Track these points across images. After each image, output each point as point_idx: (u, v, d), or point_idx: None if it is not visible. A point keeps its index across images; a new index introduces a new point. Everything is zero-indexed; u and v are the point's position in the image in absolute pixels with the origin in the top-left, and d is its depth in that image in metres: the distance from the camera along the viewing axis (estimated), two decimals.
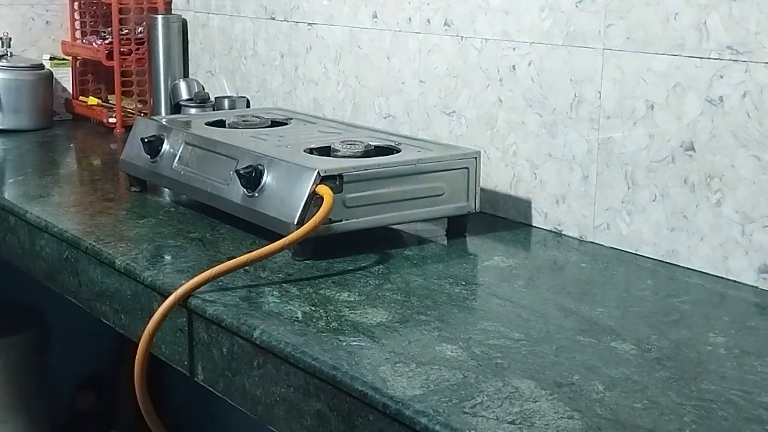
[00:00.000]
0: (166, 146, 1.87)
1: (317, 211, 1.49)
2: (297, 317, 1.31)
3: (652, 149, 1.58)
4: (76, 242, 1.67)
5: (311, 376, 1.18)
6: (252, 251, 1.45)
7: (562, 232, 1.75)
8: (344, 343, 1.22)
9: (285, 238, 1.46)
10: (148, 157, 1.89)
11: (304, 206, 1.52)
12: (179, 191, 1.88)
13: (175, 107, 2.59)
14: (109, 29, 2.75)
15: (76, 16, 2.87)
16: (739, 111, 1.45)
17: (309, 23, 2.30)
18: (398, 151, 1.71)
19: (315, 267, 1.51)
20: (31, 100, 2.64)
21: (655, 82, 1.56)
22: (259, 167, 1.61)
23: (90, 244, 1.63)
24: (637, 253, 1.62)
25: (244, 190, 1.62)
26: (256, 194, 1.61)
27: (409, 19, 2.00)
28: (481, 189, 1.71)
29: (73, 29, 2.87)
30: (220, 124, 1.97)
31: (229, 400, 1.34)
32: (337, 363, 1.16)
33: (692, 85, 1.51)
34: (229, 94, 2.56)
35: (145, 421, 1.48)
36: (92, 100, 2.80)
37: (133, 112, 2.72)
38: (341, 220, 1.55)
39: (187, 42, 2.75)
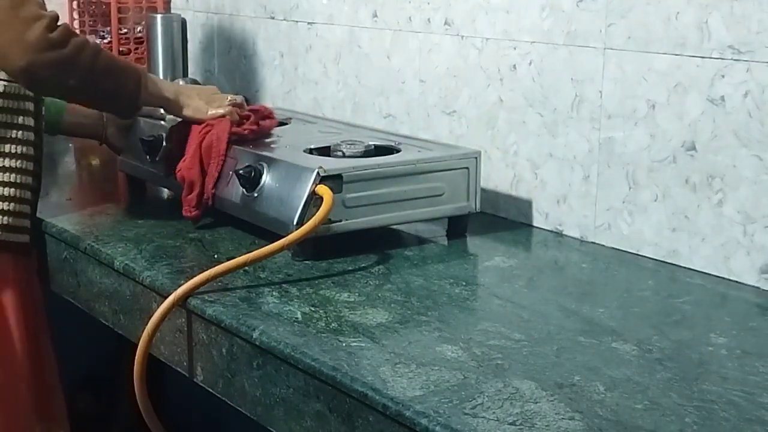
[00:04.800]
0: (165, 146, 1.86)
1: (317, 211, 1.48)
2: (297, 318, 1.31)
3: (653, 149, 1.57)
4: (75, 242, 1.66)
5: (311, 377, 1.17)
6: (251, 251, 1.44)
7: (563, 233, 1.74)
8: (344, 344, 1.22)
9: (285, 238, 1.45)
10: (148, 157, 1.88)
11: (303, 206, 1.51)
12: (179, 191, 1.87)
13: None
14: (108, 28, 2.75)
15: (75, 15, 2.87)
16: (740, 111, 1.45)
17: (309, 22, 2.29)
18: (398, 151, 1.71)
19: (315, 267, 1.51)
20: None
21: (657, 82, 1.56)
22: (259, 167, 1.61)
23: (89, 244, 1.63)
24: (639, 253, 1.62)
25: (244, 190, 1.62)
26: (256, 194, 1.60)
27: (410, 18, 2.00)
28: (482, 189, 1.71)
29: (72, 28, 2.86)
30: None
31: (228, 401, 1.34)
32: (337, 364, 1.16)
33: (693, 84, 1.50)
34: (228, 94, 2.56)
35: (145, 421, 1.48)
36: None
37: None
38: (341, 220, 1.55)
39: (187, 41, 2.74)
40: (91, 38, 2.81)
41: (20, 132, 1.71)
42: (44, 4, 1.62)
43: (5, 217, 1.68)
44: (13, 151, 1.70)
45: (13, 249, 1.71)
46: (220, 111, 1.74)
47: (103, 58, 1.64)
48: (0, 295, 1.71)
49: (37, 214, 1.77)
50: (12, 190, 1.69)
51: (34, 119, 1.73)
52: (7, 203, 1.68)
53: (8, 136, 1.70)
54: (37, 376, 1.76)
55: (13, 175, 1.69)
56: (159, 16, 2.68)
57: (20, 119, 1.71)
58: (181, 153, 1.73)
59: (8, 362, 1.72)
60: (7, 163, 1.69)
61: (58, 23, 1.58)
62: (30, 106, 1.72)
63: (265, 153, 1.65)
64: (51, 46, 1.55)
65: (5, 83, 1.69)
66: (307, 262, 1.53)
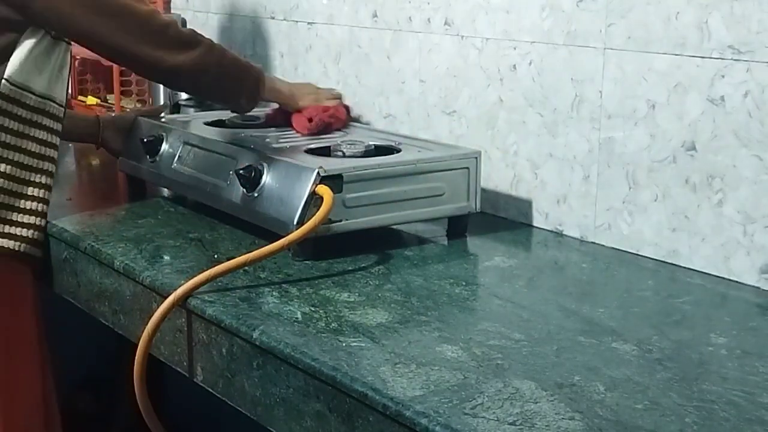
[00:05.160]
0: (165, 146, 1.86)
1: (317, 211, 1.48)
2: (297, 318, 1.31)
3: (653, 149, 1.57)
4: (75, 242, 1.66)
5: (311, 377, 1.17)
6: (251, 251, 1.44)
7: (563, 233, 1.74)
8: (344, 344, 1.22)
9: (285, 238, 1.45)
10: (148, 157, 1.88)
11: (303, 206, 1.51)
12: (179, 191, 1.87)
13: (175, 107, 2.58)
14: None
15: None
16: (740, 111, 1.45)
17: (309, 22, 2.29)
18: (398, 151, 1.71)
19: (315, 267, 1.51)
20: None
21: (657, 82, 1.55)
22: (259, 167, 1.61)
23: (89, 244, 1.63)
24: (639, 253, 1.61)
25: (244, 190, 1.62)
26: (256, 194, 1.60)
27: (410, 18, 2.00)
28: (482, 189, 1.71)
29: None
30: (219, 123, 1.97)
31: (228, 401, 1.34)
32: (337, 364, 1.15)
33: (693, 84, 1.50)
34: None
35: (145, 421, 1.48)
36: (91, 100, 2.79)
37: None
38: (341, 220, 1.55)
39: None
40: None
41: (52, 151, 1.73)
42: None
43: (35, 232, 1.69)
44: (49, 168, 1.72)
45: (33, 263, 1.72)
46: (332, 102, 1.94)
47: (229, 57, 1.79)
48: (19, 308, 1.73)
49: None
50: (43, 206, 1.71)
51: (59, 138, 1.75)
52: (39, 218, 1.70)
53: (46, 155, 1.72)
54: (43, 383, 1.78)
55: (44, 192, 1.71)
56: None
57: (53, 138, 1.73)
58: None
59: (24, 372, 1.73)
60: (43, 179, 1.71)
61: (186, 26, 1.73)
62: (59, 127, 1.74)
63: (265, 153, 1.66)
64: (187, 46, 1.70)
65: (54, 105, 1.71)
66: (307, 262, 1.53)
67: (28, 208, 1.69)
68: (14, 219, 1.67)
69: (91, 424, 2.90)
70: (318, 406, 1.17)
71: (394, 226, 1.69)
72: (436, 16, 1.94)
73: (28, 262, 1.71)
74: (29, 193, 1.69)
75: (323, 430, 1.17)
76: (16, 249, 1.67)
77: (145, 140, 1.88)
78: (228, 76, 1.77)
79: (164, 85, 1.82)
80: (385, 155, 1.68)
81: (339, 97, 2.01)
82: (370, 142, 1.71)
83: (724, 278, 1.50)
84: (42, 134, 1.70)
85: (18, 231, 1.67)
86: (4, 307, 1.71)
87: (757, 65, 1.42)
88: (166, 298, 1.39)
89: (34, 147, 1.69)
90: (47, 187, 1.72)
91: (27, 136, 1.68)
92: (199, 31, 1.76)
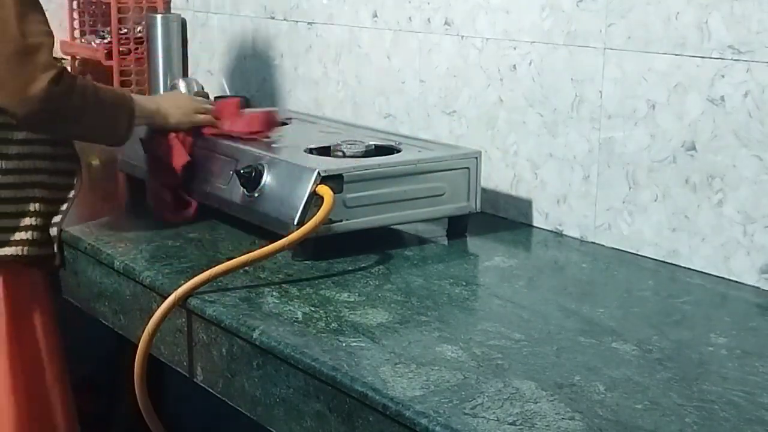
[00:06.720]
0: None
1: (317, 211, 1.48)
2: (297, 318, 1.31)
3: (653, 149, 1.57)
4: (75, 242, 1.66)
5: (311, 377, 1.17)
6: (252, 251, 1.44)
7: (563, 233, 1.74)
8: (344, 344, 1.22)
9: (285, 238, 1.45)
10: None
11: (304, 206, 1.51)
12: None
13: None
14: (108, 28, 2.75)
15: (75, 15, 2.87)
16: (740, 111, 1.45)
17: (309, 23, 2.29)
18: (399, 151, 1.70)
19: (315, 267, 1.51)
20: None
21: (657, 82, 1.56)
22: (259, 167, 1.61)
23: (89, 244, 1.63)
24: (639, 253, 1.61)
25: (244, 190, 1.62)
26: (256, 194, 1.60)
27: (410, 18, 2.00)
28: (482, 189, 1.71)
29: (72, 28, 2.86)
30: None
31: (228, 401, 1.34)
32: (337, 364, 1.16)
33: (693, 84, 1.50)
34: (228, 94, 2.56)
35: (145, 421, 1.48)
36: None
37: None
38: (341, 220, 1.55)
39: (187, 41, 2.74)
40: (92, 38, 2.80)
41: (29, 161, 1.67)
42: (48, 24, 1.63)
43: (34, 233, 1.66)
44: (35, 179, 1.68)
45: (42, 265, 1.70)
46: (199, 117, 1.79)
47: (97, 102, 1.60)
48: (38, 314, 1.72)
49: None
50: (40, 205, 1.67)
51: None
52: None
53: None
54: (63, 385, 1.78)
55: (38, 204, 1.67)
56: (159, 16, 2.67)
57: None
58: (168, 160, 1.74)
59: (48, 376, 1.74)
60: (36, 193, 1.67)
61: (63, 74, 1.56)
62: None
63: (265, 153, 1.66)
64: (52, 100, 1.54)
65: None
66: (307, 262, 1.53)
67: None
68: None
69: (91, 423, 2.89)
70: (318, 406, 1.17)
71: (394, 226, 1.69)
72: (436, 16, 1.94)
73: (37, 265, 1.69)
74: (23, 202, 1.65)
75: (323, 430, 1.17)
76: (19, 254, 1.65)
77: (145, 140, 1.87)
78: (98, 120, 1.62)
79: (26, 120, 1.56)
80: (386, 155, 1.68)
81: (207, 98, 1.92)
82: (370, 142, 1.71)
83: (724, 278, 1.50)
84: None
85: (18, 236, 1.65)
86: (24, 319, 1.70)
87: (757, 65, 1.42)
88: (166, 298, 1.39)
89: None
90: (39, 199, 1.66)
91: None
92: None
